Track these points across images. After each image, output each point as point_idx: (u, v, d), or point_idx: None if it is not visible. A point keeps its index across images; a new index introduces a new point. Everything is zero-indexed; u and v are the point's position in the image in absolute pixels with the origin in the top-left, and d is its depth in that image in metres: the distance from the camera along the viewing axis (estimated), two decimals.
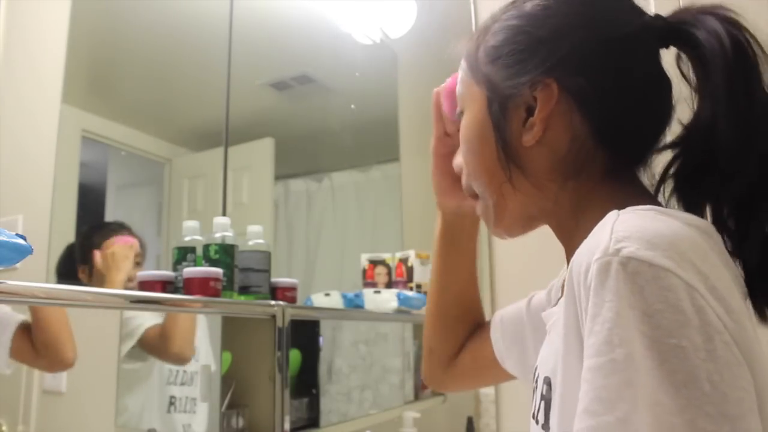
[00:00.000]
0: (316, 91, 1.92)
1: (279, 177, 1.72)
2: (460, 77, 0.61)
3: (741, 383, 0.37)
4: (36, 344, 0.95)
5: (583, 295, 0.41)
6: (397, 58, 2.07)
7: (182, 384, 1.15)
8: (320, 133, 1.92)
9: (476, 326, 0.80)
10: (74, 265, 1.15)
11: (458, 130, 0.62)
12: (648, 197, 0.53)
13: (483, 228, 0.71)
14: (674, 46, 0.54)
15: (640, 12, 0.54)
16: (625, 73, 0.52)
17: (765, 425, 0.39)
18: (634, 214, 0.44)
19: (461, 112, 0.61)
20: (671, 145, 0.54)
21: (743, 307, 0.42)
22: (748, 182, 0.48)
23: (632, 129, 0.53)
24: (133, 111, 1.36)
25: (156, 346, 1.14)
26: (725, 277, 0.41)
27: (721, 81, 0.48)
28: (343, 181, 1.98)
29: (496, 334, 0.76)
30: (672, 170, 0.53)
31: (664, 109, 0.54)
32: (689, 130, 0.52)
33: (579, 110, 0.52)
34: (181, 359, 1.17)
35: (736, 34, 0.49)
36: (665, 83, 0.54)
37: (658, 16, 0.54)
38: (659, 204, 0.52)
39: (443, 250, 0.78)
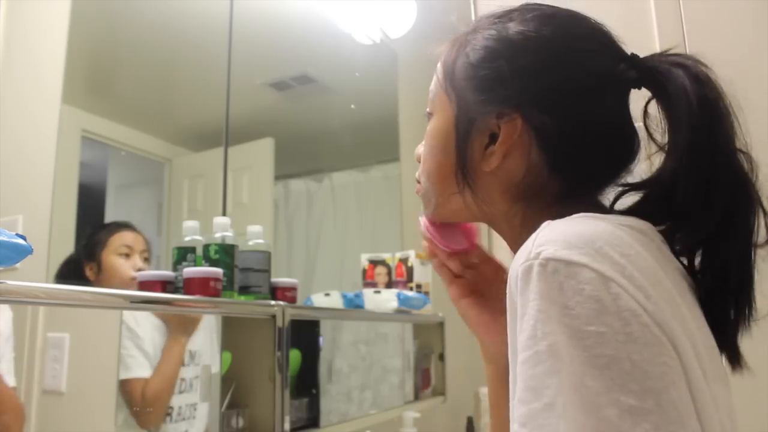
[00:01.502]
0: (316, 91, 1.92)
1: (279, 177, 1.72)
2: (434, 79, 0.62)
3: (661, 359, 0.40)
4: None
5: (516, 298, 0.44)
6: (397, 58, 2.07)
7: (181, 392, 1.14)
8: (320, 133, 1.92)
9: None
10: (78, 268, 1.15)
11: (462, 266, 0.67)
12: (599, 211, 0.53)
13: (483, 227, 0.71)
14: (646, 89, 0.55)
15: (616, 58, 0.55)
16: (591, 116, 0.54)
17: (697, 397, 0.41)
18: (562, 221, 0.46)
19: (430, 113, 0.63)
20: (634, 187, 0.56)
21: (671, 291, 0.44)
22: (705, 234, 0.51)
23: (587, 165, 0.55)
24: (133, 111, 1.36)
25: (133, 403, 1.06)
26: (650, 267, 0.43)
27: (685, 138, 0.50)
28: (343, 181, 1.98)
29: None
30: (626, 201, 0.56)
31: (626, 149, 0.56)
32: (651, 180, 0.55)
33: (539, 144, 0.54)
34: (153, 425, 1.09)
35: (705, 91, 0.51)
36: (628, 128, 0.56)
37: (632, 64, 0.55)
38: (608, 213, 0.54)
39: (505, 399, 0.71)
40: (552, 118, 0.53)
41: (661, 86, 0.53)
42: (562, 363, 0.40)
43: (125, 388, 1.06)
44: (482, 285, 0.68)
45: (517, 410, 0.42)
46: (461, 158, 0.57)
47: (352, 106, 2.00)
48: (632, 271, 0.42)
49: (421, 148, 0.65)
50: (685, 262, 0.53)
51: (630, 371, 0.39)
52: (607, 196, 0.58)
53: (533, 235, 0.45)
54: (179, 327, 1.13)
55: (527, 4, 0.58)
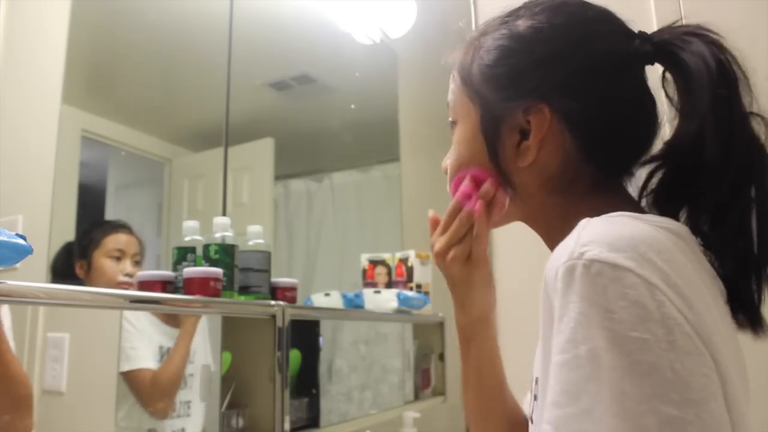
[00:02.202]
0: (316, 91, 1.92)
1: (279, 177, 1.72)
2: (452, 87, 0.63)
3: (702, 370, 0.39)
4: None
5: (554, 298, 0.44)
6: (397, 58, 2.07)
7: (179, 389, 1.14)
8: (320, 133, 1.92)
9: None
10: (70, 263, 1.15)
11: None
12: (630, 205, 0.54)
13: None
14: (660, 64, 0.56)
15: (629, 35, 0.56)
16: (615, 96, 0.55)
17: (731, 410, 0.41)
18: (602, 220, 0.46)
19: (454, 122, 0.63)
20: (651, 160, 0.56)
21: (709, 303, 0.44)
22: (721, 198, 0.50)
23: (619, 147, 0.56)
24: (133, 111, 1.36)
25: (142, 393, 1.09)
26: (690, 275, 0.43)
27: (707, 101, 0.50)
28: (343, 181, 1.98)
29: None
30: (652, 182, 0.55)
31: (650, 126, 0.57)
32: (670, 146, 0.54)
33: (570, 131, 0.55)
34: (163, 414, 1.12)
35: (720, 56, 0.51)
36: (650, 102, 0.57)
37: (645, 39, 0.55)
38: (642, 211, 0.54)
39: (470, 354, 0.74)
40: (578, 102, 0.54)
41: (676, 56, 0.53)
42: (601, 368, 0.39)
43: (130, 378, 1.08)
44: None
45: (550, 412, 0.41)
46: (495, 159, 0.57)
47: (352, 106, 2.00)
48: (676, 280, 0.41)
49: (448, 161, 0.65)
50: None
51: (672, 380, 0.38)
52: (634, 181, 0.58)
53: (574, 234, 0.44)
54: (188, 320, 1.16)
55: (531, 1, 0.59)
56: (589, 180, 0.56)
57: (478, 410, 0.74)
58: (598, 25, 0.56)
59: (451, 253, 0.63)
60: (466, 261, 0.64)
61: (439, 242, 0.64)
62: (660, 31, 0.56)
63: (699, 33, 0.53)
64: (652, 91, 0.57)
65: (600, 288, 0.40)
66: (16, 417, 0.89)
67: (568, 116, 0.54)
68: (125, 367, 1.08)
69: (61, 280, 1.12)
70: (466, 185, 0.61)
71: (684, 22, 0.56)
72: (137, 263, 1.21)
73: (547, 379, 0.43)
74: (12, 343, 0.89)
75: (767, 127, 0.51)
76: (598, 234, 0.43)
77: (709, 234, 0.51)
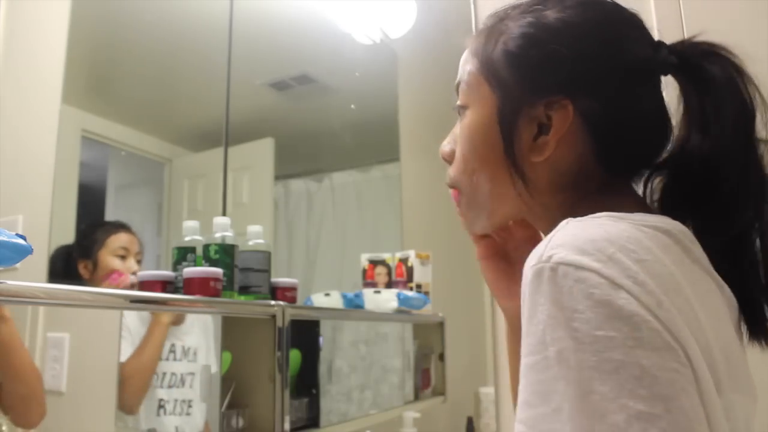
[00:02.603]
0: (316, 91, 1.92)
1: (279, 177, 1.72)
2: (468, 69, 0.60)
3: (672, 365, 0.39)
4: (2, 398, 0.90)
5: (524, 299, 0.44)
6: (397, 58, 2.07)
7: (170, 387, 1.14)
8: (320, 133, 1.92)
9: None
10: (68, 264, 1.15)
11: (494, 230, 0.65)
12: (635, 205, 0.54)
13: None
14: (680, 76, 0.55)
15: (653, 43, 0.56)
16: (636, 101, 0.55)
17: (709, 406, 0.41)
18: (580, 222, 0.46)
19: (463, 107, 0.60)
20: (658, 166, 0.57)
21: (690, 299, 0.44)
22: (742, 225, 0.52)
23: (633, 153, 0.56)
24: (133, 111, 1.36)
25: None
26: (666, 273, 0.43)
27: (732, 120, 0.51)
28: (343, 181, 1.98)
29: None
30: (651, 189, 0.57)
31: (663, 135, 0.57)
32: (675, 156, 0.55)
33: (587, 131, 0.54)
34: (128, 410, 1.09)
35: (746, 81, 0.52)
36: (665, 111, 0.57)
37: (670, 49, 0.55)
38: (647, 210, 0.54)
39: (516, 351, 0.72)
40: (600, 104, 0.53)
41: (704, 71, 0.53)
42: (570, 368, 0.40)
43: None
44: (510, 247, 0.68)
45: (522, 412, 0.42)
46: (510, 150, 0.55)
47: (352, 106, 2.00)
48: (644, 278, 0.41)
49: (447, 146, 0.63)
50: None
51: (639, 376, 0.38)
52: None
53: (548, 236, 0.45)
54: (162, 316, 1.14)
55: None
56: (598, 181, 0.55)
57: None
58: (628, 29, 0.56)
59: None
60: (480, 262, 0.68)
61: None
62: (681, 43, 0.56)
63: (721, 53, 0.54)
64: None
65: (566, 290, 0.41)
66: (31, 405, 0.92)
67: (588, 116, 0.53)
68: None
69: (59, 281, 1.12)
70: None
71: (677, 23, 0.57)
72: (139, 262, 1.22)
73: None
74: None
75: None
76: (568, 236, 0.44)
77: (716, 252, 0.52)
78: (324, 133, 1.93)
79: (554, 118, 0.53)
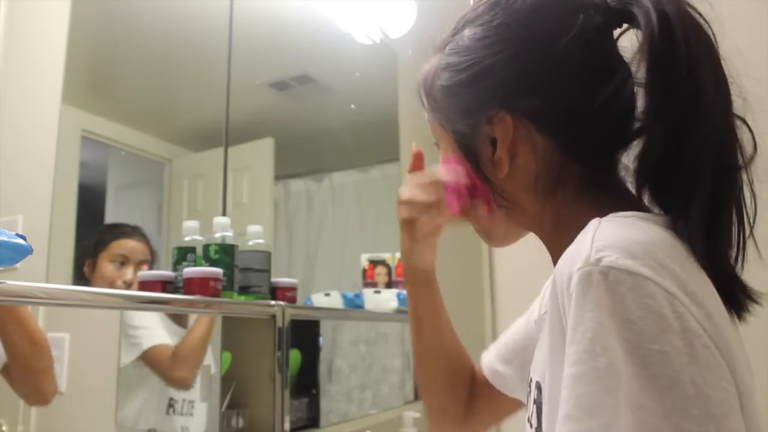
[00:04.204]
0: (316, 91, 1.92)
1: (279, 177, 1.72)
2: (424, 112, 0.62)
3: (722, 384, 0.38)
4: (12, 374, 0.90)
5: (566, 303, 0.42)
6: (397, 58, 2.07)
7: None
8: (320, 133, 1.92)
9: (472, 370, 0.80)
10: (79, 267, 1.16)
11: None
12: (629, 202, 0.51)
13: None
14: (627, 24, 0.52)
15: (580, 8, 0.52)
16: (575, 81, 0.51)
17: (748, 423, 0.40)
18: (614, 222, 0.44)
19: (437, 144, 0.63)
20: (629, 139, 0.52)
21: (722, 309, 0.42)
22: (690, 185, 0.46)
23: (595, 135, 0.52)
24: (133, 111, 1.36)
25: (163, 366, 1.13)
26: (704, 281, 0.42)
27: (647, 63, 0.46)
28: (343, 181, 1.98)
29: (496, 366, 0.76)
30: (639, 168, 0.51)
31: (624, 102, 0.51)
32: (640, 121, 0.50)
33: (538, 130, 0.53)
34: (185, 385, 1.16)
35: (665, 7, 0.46)
36: (620, 73, 0.51)
37: (596, 7, 0.51)
38: (643, 206, 0.51)
39: (425, 301, 0.76)
40: (538, 100, 0.52)
41: (629, 14, 0.49)
42: (620, 382, 0.37)
43: (150, 356, 1.12)
44: None
45: (564, 427, 0.39)
46: (482, 176, 0.56)
47: (352, 106, 2.00)
48: (693, 288, 0.40)
49: (441, 175, 0.63)
50: None
51: (693, 395, 0.36)
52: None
53: (587, 236, 0.42)
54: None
55: (474, 3, 0.57)
56: (577, 177, 0.53)
57: (416, 352, 0.78)
58: (539, 12, 0.53)
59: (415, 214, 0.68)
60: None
61: (407, 192, 0.68)
62: None
63: None
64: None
65: (618, 297, 0.38)
66: (44, 380, 0.93)
67: (532, 116, 0.52)
68: (146, 346, 1.12)
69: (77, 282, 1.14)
70: (460, 191, 0.60)
71: None
72: (146, 269, 1.21)
73: (558, 390, 0.41)
74: None
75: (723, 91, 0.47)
76: (612, 238, 0.41)
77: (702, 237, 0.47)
78: (324, 133, 1.93)
79: (497, 131, 0.53)
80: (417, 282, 0.74)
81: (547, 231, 0.57)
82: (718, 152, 0.46)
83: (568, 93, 0.52)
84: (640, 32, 0.48)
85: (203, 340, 1.16)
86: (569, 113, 0.52)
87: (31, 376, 0.92)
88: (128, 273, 1.18)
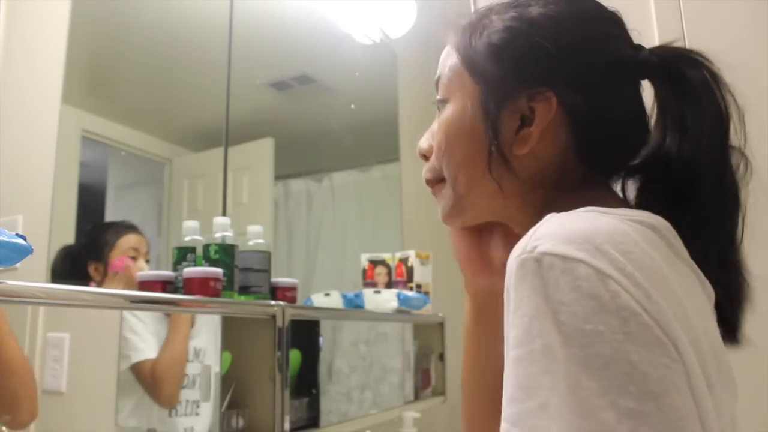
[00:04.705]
0: (316, 91, 1.92)
1: (279, 177, 1.72)
2: (448, 64, 0.60)
3: (662, 361, 0.38)
4: None
5: (510, 291, 0.43)
6: (397, 58, 2.07)
7: (184, 388, 1.15)
8: (320, 133, 1.92)
9: None
10: (74, 265, 1.16)
11: None
12: (615, 202, 0.54)
13: None
14: (653, 79, 0.56)
15: (632, 44, 0.57)
16: (617, 98, 0.55)
17: (699, 402, 0.40)
18: (565, 215, 0.45)
19: (443, 101, 0.60)
20: (636, 168, 0.57)
21: (677, 293, 0.43)
22: (723, 230, 0.52)
23: (613, 150, 0.56)
24: (133, 111, 1.36)
25: (147, 383, 1.11)
26: (654, 265, 0.42)
27: (708, 121, 0.51)
28: (343, 181, 1.98)
29: None
30: (629, 189, 0.57)
31: (642, 134, 0.57)
32: (653, 157, 0.55)
33: (570, 126, 0.54)
34: (169, 403, 1.13)
35: (719, 83, 0.53)
36: (644, 111, 0.57)
37: (651, 52, 0.55)
38: (629, 207, 0.54)
39: (478, 336, 0.69)
40: (582, 98, 0.53)
41: (683, 74, 0.53)
42: (557, 363, 0.38)
43: (136, 371, 1.09)
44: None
45: (508, 408, 0.41)
46: (495, 141, 0.54)
47: (352, 106, 2.00)
48: (632, 270, 0.40)
49: (425, 143, 0.62)
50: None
51: (629, 372, 0.37)
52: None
53: (533, 228, 0.44)
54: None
55: None
56: (578, 177, 0.55)
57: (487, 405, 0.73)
58: (611, 26, 0.56)
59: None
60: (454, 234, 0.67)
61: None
62: (658, 47, 0.56)
63: (699, 59, 0.54)
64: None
65: (552, 281, 0.40)
66: (22, 404, 0.89)
67: (570, 110, 0.53)
68: (134, 359, 1.10)
69: (65, 282, 1.12)
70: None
71: (677, 24, 0.57)
72: (147, 262, 1.23)
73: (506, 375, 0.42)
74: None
75: (747, 164, 0.53)
76: (552, 228, 0.43)
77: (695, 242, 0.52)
78: (324, 133, 1.93)
79: (537, 109, 0.53)
80: (481, 308, 0.67)
81: (528, 221, 0.55)
82: (737, 191, 0.53)
83: (607, 106, 0.54)
84: (680, 91, 0.53)
85: (181, 351, 1.14)
86: (601, 123, 0.54)
87: (9, 399, 0.88)
88: (143, 264, 1.21)
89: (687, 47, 0.55)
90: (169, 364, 1.13)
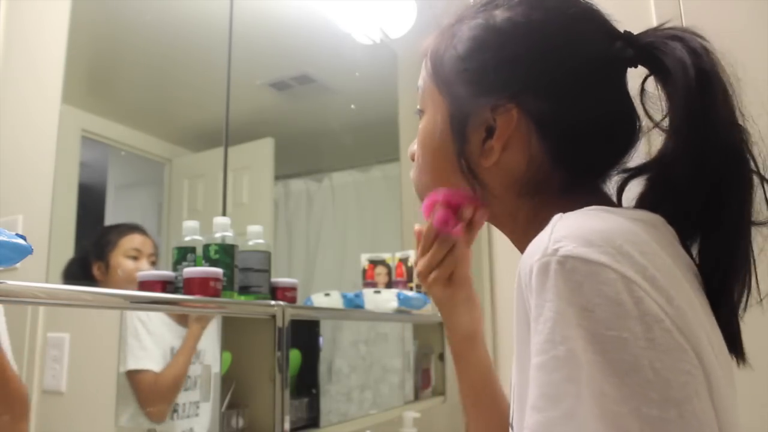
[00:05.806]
0: (316, 91, 1.92)
1: (279, 177, 1.72)
2: (423, 74, 0.60)
3: (684, 367, 0.38)
4: None
5: (529, 296, 0.42)
6: (397, 58, 2.07)
7: (186, 390, 1.14)
8: (320, 133, 1.92)
9: None
10: (83, 270, 1.16)
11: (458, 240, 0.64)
12: (600, 203, 0.51)
13: (483, 229, 0.71)
14: (644, 66, 0.53)
15: (611, 36, 0.54)
16: (590, 100, 0.52)
17: (718, 405, 0.40)
18: (575, 214, 0.45)
19: (421, 111, 0.61)
20: (635, 172, 0.54)
21: (690, 295, 0.42)
22: (693, 209, 0.49)
23: (593, 153, 0.54)
24: (133, 111, 1.36)
25: (139, 394, 1.08)
26: (668, 267, 0.42)
27: (683, 115, 0.48)
28: (343, 181, 1.98)
29: None
30: (630, 193, 0.54)
31: (627, 131, 0.54)
32: (654, 159, 0.53)
33: (538, 133, 0.52)
34: (158, 418, 1.10)
35: (703, 64, 0.48)
36: (628, 105, 0.54)
37: (628, 41, 0.53)
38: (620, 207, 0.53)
39: (464, 363, 0.72)
40: (550, 105, 0.52)
41: (659, 61, 0.50)
42: (581, 369, 0.38)
43: (133, 378, 1.08)
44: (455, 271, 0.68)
45: (530, 417, 0.40)
46: (461, 154, 0.55)
47: (352, 106, 2.00)
48: (654, 272, 0.40)
49: (414, 147, 0.63)
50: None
51: (652, 380, 0.37)
52: (611, 185, 0.57)
53: (547, 229, 0.43)
54: (196, 323, 1.15)
55: None
56: (559, 183, 0.53)
57: (475, 418, 0.74)
58: (577, 25, 0.53)
59: (432, 275, 0.65)
60: (447, 282, 0.67)
61: (420, 264, 0.66)
62: (646, 32, 0.53)
63: (683, 37, 0.50)
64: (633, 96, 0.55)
65: (575, 285, 0.39)
66: (8, 421, 0.86)
67: (537, 118, 0.52)
68: (131, 366, 1.08)
69: (78, 283, 1.13)
70: (439, 212, 0.59)
71: (677, 23, 0.54)
72: (153, 263, 1.23)
73: (526, 382, 0.41)
74: (7, 343, 0.88)
75: (747, 139, 0.49)
76: (571, 228, 0.42)
77: (694, 240, 0.50)
78: (324, 133, 1.93)
79: (498, 122, 0.52)
80: (464, 347, 0.70)
81: (520, 228, 0.56)
82: (745, 193, 0.49)
83: (579, 109, 0.52)
84: (662, 77, 0.50)
85: (184, 369, 1.13)
86: (575, 127, 0.52)
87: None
88: (145, 265, 1.20)
89: (671, 27, 0.52)
90: (174, 379, 1.12)
